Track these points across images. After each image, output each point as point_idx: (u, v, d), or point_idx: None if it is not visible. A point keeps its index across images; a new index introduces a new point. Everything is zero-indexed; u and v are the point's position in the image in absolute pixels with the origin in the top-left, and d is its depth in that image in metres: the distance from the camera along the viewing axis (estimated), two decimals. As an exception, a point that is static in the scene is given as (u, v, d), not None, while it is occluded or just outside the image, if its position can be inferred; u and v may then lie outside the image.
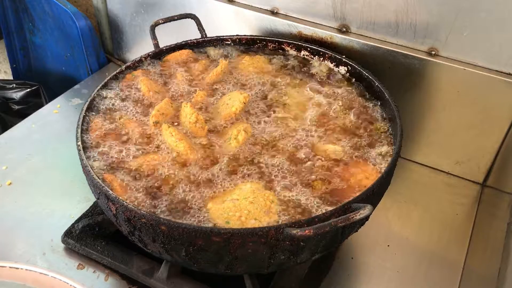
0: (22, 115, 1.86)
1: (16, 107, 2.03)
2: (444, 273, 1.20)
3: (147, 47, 1.37)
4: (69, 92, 1.76)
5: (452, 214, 1.35)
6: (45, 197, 1.34)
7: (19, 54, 2.21)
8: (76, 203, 1.32)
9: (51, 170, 1.42)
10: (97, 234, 1.19)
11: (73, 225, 1.21)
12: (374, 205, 1.01)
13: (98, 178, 0.96)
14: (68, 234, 1.20)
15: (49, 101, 1.75)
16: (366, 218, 0.87)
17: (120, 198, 0.91)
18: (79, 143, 1.04)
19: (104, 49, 1.95)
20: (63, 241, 1.20)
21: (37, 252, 1.19)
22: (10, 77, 2.36)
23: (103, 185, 0.93)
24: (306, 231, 0.80)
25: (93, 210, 1.25)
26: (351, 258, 1.22)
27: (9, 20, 2.11)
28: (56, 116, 1.64)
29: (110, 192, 0.92)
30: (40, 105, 1.91)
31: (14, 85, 2.01)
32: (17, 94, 2.00)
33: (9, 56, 2.20)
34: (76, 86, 1.78)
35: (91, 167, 0.98)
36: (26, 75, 2.26)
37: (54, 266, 1.16)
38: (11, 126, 1.64)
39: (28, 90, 2.00)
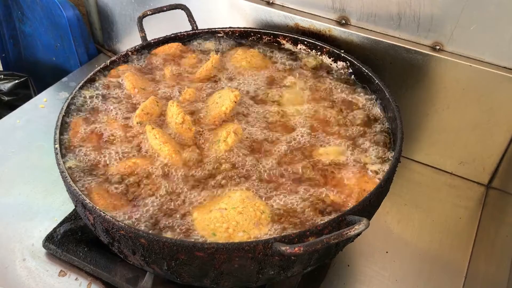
0: (12, 106, 1.80)
1: (6, 98, 1.97)
2: (445, 281, 1.14)
3: (138, 38, 1.30)
4: (57, 85, 1.69)
5: (455, 218, 1.29)
6: (27, 198, 1.28)
7: (8, 43, 2.13)
8: (60, 204, 1.26)
9: (35, 169, 1.35)
10: (80, 239, 1.13)
11: (54, 229, 1.15)
12: (371, 214, 0.95)
13: (75, 185, 0.89)
14: (50, 239, 1.14)
15: (38, 93, 1.69)
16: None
17: (98, 207, 0.84)
18: (57, 145, 0.97)
19: (94, 40, 1.88)
20: (45, 246, 1.14)
21: (16, 257, 1.14)
22: (0, 65, 2.29)
23: (80, 193, 0.87)
24: (296, 249, 0.73)
25: (76, 214, 1.19)
26: (347, 265, 1.16)
27: (-3, 8, 2.04)
28: (42, 111, 1.57)
29: (87, 201, 0.86)
30: (29, 97, 1.85)
31: (2, 76, 1.94)
32: (5, 86, 1.93)
33: (-3, 45, 2.13)
34: (64, 79, 1.72)
35: (68, 173, 0.92)
36: (16, 64, 2.18)
37: (35, 272, 1.11)
38: (1, 117, 1.58)
39: (17, 81, 1.93)
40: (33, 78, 1.96)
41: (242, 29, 1.34)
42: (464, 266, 1.18)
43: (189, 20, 1.33)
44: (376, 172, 0.98)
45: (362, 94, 1.18)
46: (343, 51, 1.25)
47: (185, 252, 0.79)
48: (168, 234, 0.86)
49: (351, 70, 1.23)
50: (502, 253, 1.11)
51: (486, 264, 1.16)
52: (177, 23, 1.36)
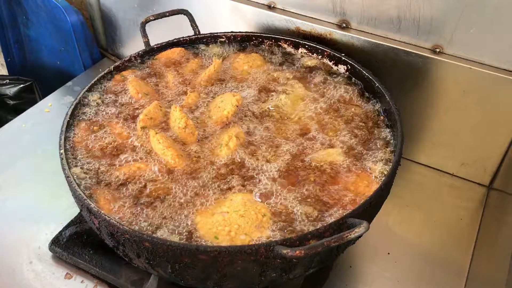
0: (18, 110, 1.82)
1: (11, 102, 1.99)
2: (447, 282, 1.15)
3: (142, 43, 1.32)
4: (62, 89, 1.71)
5: (456, 219, 1.30)
6: (33, 201, 1.29)
7: (13, 47, 2.16)
8: (65, 208, 1.27)
9: (41, 173, 1.37)
10: (85, 242, 1.15)
11: (60, 232, 1.17)
12: (372, 217, 0.96)
13: (80, 189, 0.91)
14: (56, 242, 1.16)
15: (43, 97, 1.71)
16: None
17: (102, 212, 0.86)
18: (62, 150, 0.99)
19: (98, 44, 1.89)
20: (51, 249, 1.16)
21: (23, 260, 1.15)
22: (5, 70, 2.32)
23: (85, 197, 0.89)
24: (297, 252, 0.75)
25: (82, 217, 1.20)
26: (350, 267, 1.17)
27: (2, 13, 2.06)
28: (47, 116, 1.59)
29: (92, 205, 0.87)
30: (34, 101, 1.87)
31: (8, 80, 1.97)
32: (10, 90, 1.95)
33: (3, 49, 2.15)
34: (69, 83, 1.74)
35: (73, 177, 0.93)
36: (21, 69, 2.21)
37: (41, 275, 1.12)
38: (6, 121, 1.60)
39: (22, 85, 1.96)
40: (38, 82, 1.99)
41: (244, 34, 1.35)
42: (465, 266, 1.18)
43: (191, 25, 1.35)
44: (377, 175, 0.99)
45: (362, 97, 1.19)
46: (343, 54, 1.26)
47: (188, 255, 0.80)
48: (172, 238, 0.87)
49: (351, 73, 1.24)
50: (504, 253, 1.12)
51: (487, 265, 1.17)
52: (180, 28, 1.37)
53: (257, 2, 1.43)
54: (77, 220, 1.20)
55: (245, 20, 1.45)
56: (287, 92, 1.20)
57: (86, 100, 1.14)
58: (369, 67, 1.22)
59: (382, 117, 1.13)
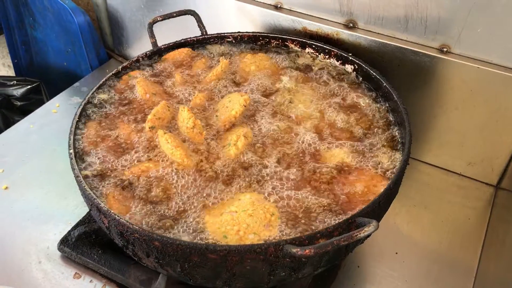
0: (25, 111, 1.83)
1: (19, 103, 2.00)
2: (455, 281, 1.15)
3: (148, 44, 1.32)
4: (69, 90, 1.72)
5: (464, 218, 1.30)
6: (42, 201, 1.30)
7: (20, 49, 2.17)
8: (73, 208, 1.28)
9: (49, 174, 1.38)
10: (94, 242, 1.16)
11: (69, 232, 1.18)
12: (381, 216, 0.96)
13: (90, 189, 0.91)
14: (64, 242, 1.16)
15: (50, 98, 1.72)
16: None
17: (112, 211, 0.86)
18: (71, 150, 1.00)
19: (104, 45, 1.90)
20: (59, 249, 1.16)
21: (32, 260, 1.16)
22: (12, 71, 2.33)
23: (94, 197, 0.89)
24: (306, 251, 0.75)
25: (90, 217, 1.21)
26: (357, 266, 1.17)
27: (9, 15, 2.07)
28: (55, 116, 1.60)
29: (102, 204, 0.88)
30: (41, 102, 1.88)
31: (15, 82, 1.98)
32: (18, 91, 1.97)
33: (10, 51, 2.16)
34: (76, 84, 1.74)
35: (83, 177, 0.94)
36: (28, 70, 2.22)
37: (50, 275, 1.13)
38: (14, 122, 1.61)
39: (29, 87, 1.97)
40: (45, 83, 2.00)
41: (250, 34, 1.36)
42: (473, 266, 1.18)
43: (198, 25, 1.35)
44: (385, 174, 0.99)
45: (370, 96, 1.19)
46: (350, 54, 1.26)
47: (198, 254, 0.81)
48: (181, 237, 0.88)
49: (359, 73, 1.24)
50: (512, 253, 1.12)
51: (495, 264, 1.16)
52: (187, 29, 1.38)
53: (263, 3, 1.44)
54: (86, 220, 1.20)
55: (251, 20, 1.45)
56: (294, 92, 1.20)
57: (95, 100, 1.15)
58: (376, 66, 1.22)
59: (389, 117, 1.13)
